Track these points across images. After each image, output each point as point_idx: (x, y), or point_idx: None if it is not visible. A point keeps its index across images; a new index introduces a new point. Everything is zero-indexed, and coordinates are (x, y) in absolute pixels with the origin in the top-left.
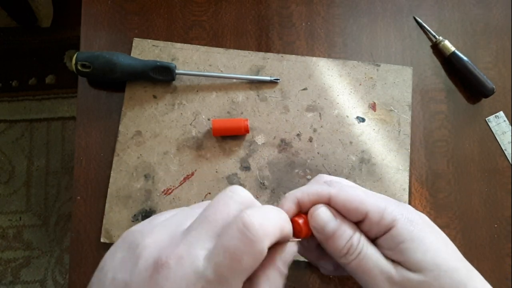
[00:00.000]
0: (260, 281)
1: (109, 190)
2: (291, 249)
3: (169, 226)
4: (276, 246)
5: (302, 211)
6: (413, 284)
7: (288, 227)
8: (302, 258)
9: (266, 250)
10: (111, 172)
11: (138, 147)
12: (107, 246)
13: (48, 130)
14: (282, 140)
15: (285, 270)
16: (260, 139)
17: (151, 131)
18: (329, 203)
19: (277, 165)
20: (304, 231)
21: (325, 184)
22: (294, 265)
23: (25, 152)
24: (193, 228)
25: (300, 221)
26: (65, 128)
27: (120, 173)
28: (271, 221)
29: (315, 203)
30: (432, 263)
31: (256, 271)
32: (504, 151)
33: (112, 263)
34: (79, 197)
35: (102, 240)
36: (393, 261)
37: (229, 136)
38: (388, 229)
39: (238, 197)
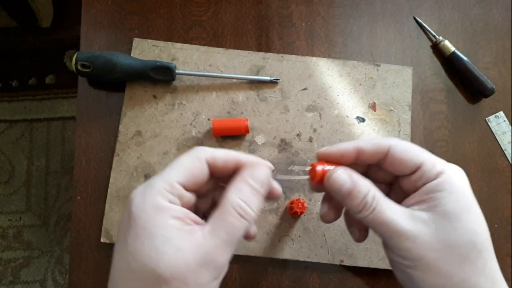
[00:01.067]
0: (230, 190)
1: (109, 190)
2: (263, 170)
3: None
4: (248, 167)
5: (359, 160)
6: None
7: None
8: (302, 258)
9: (202, 158)
10: (111, 172)
11: (138, 147)
12: (107, 246)
13: (48, 130)
14: (282, 140)
15: (259, 188)
16: (260, 139)
17: (151, 131)
18: (387, 152)
19: (277, 165)
20: (317, 178)
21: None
22: (294, 265)
23: (25, 152)
24: None
25: (319, 168)
26: (65, 128)
27: (120, 173)
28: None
29: (376, 151)
30: (458, 213)
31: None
32: (504, 151)
33: None
34: (79, 197)
35: (102, 240)
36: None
37: (229, 136)
38: (436, 177)
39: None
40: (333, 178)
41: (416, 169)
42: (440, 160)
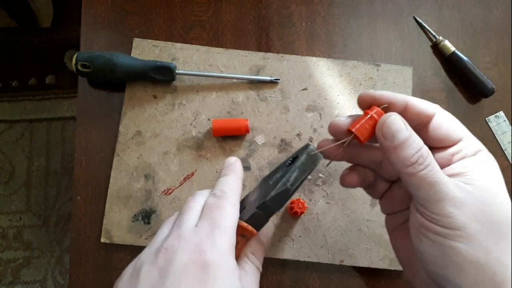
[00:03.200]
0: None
1: (109, 190)
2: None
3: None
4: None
5: (404, 116)
6: (475, 189)
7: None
8: (302, 258)
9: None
10: (111, 172)
11: (138, 147)
12: (107, 246)
13: (48, 130)
14: (282, 140)
15: (266, 243)
16: (260, 139)
17: (151, 131)
18: (432, 118)
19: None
20: (366, 134)
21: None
22: (294, 265)
23: (25, 152)
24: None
25: (367, 122)
26: (65, 128)
27: (120, 173)
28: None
29: (422, 112)
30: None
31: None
32: (504, 151)
33: None
34: (79, 197)
35: (102, 240)
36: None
37: (229, 136)
38: (474, 154)
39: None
40: (390, 121)
41: (457, 141)
42: (476, 139)
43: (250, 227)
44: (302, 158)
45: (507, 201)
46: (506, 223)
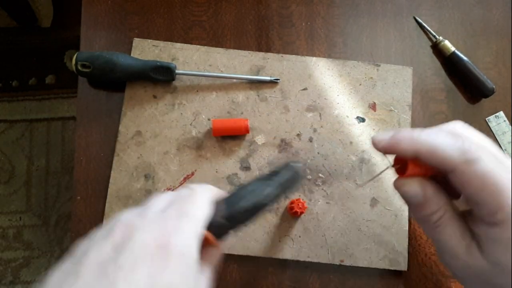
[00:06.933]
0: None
1: (109, 190)
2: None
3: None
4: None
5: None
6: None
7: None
8: (302, 258)
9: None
10: (111, 172)
11: (138, 147)
12: None
13: (48, 130)
14: (282, 140)
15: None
16: (260, 139)
17: (151, 131)
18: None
19: (277, 165)
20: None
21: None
22: (294, 265)
23: (25, 152)
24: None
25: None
26: (65, 128)
27: (120, 173)
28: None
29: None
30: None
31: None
32: (504, 151)
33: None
34: (79, 197)
35: None
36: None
37: (229, 136)
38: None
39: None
40: (405, 189)
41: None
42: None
43: (213, 239)
44: (286, 174)
45: None
46: None
